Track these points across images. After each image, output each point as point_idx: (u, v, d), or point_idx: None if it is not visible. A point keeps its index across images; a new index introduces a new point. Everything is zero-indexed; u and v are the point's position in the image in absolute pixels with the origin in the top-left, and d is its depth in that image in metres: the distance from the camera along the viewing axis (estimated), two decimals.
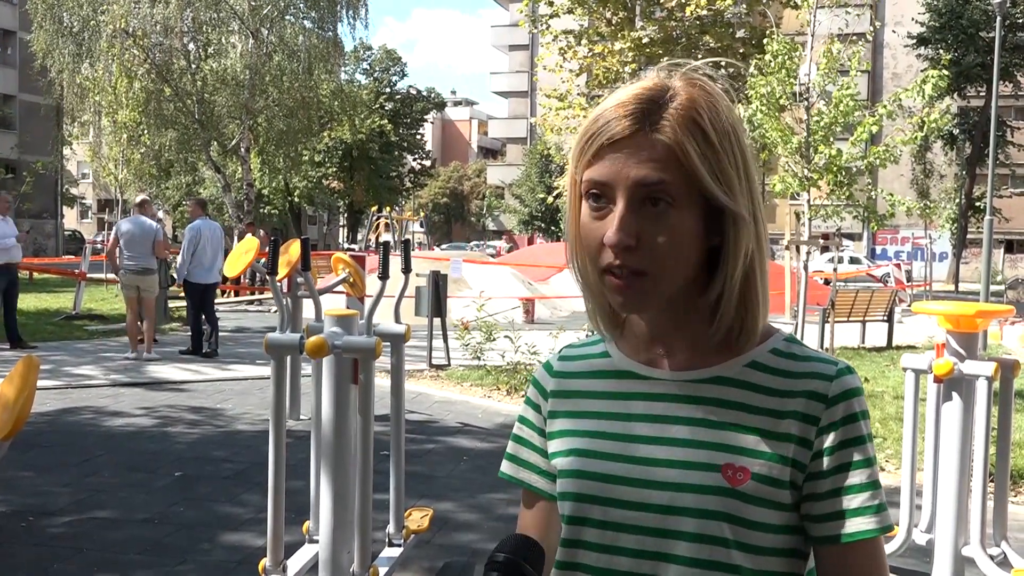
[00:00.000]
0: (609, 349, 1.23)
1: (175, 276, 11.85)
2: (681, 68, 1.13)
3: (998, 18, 19.21)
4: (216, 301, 12.83)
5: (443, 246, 53.41)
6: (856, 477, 1.10)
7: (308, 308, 6.29)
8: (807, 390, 1.11)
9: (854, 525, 1.09)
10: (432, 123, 73.12)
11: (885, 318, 14.18)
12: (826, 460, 1.10)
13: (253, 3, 25.48)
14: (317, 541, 3.51)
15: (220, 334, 11.81)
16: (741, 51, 17.21)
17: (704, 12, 16.79)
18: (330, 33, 27.38)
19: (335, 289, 5.89)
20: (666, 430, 1.14)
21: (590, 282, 1.15)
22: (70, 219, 56.08)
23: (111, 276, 12.75)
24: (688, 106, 1.08)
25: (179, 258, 11.27)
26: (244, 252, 5.54)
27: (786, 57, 10.02)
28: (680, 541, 1.10)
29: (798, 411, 1.11)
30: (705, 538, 1.09)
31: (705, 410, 1.13)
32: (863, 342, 14.06)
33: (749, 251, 1.11)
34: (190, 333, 11.43)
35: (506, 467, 1.30)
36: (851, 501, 1.09)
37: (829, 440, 1.10)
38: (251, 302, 19.49)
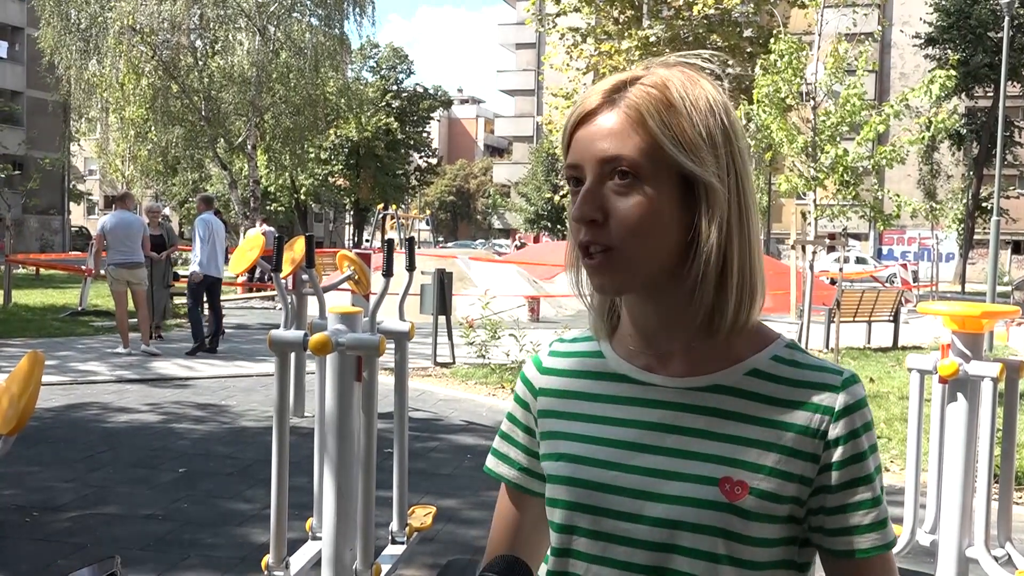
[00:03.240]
0: (603, 348, 1.18)
1: (178, 273, 11.68)
2: (685, 60, 1.11)
3: (1006, 18, 19.17)
4: (224, 297, 12.81)
5: (448, 244, 53.37)
6: (867, 492, 1.06)
7: (312, 305, 6.30)
8: (812, 401, 1.06)
9: (868, 541, 1.06)
10: (438, 121, 73.11)
11: (891, 318, 14.17)
12: (835, 474, 1.06)
13: (260, 0, 25.51)
14: (320, 538, 3.51)
15: (226, 331, 11.75)
16: (748, 50, 17.19)
17: (711, 11, 16.78)
18: (337, 31, 27.46)
19: (340, 286, 5.89)
20: (662, 439, 1.09)
21: (576, 271, 1.13)
22: (77, 215, 56.19)
23: (93, 270, 12.63)
24: (656, 81, 1.06)
25: (194, 253, 11.16)
26: (248, 250, 5.55)
27: (793, 56, 10.00)
28: (673, 555, 1.06)
29: (803, 423, 1.06)
30: (698, 553, 1.05)
31: (703, 420, 1.08)
32: (869, 342, 14.04)
33: (723, 222, 1.05)
34: (191, 330, 11.30)
35: (490, 462, 1.30)
36: (864, 516, 1.06)
37: (837, 454, 1.05)
38: (257, 299, 19.49)
